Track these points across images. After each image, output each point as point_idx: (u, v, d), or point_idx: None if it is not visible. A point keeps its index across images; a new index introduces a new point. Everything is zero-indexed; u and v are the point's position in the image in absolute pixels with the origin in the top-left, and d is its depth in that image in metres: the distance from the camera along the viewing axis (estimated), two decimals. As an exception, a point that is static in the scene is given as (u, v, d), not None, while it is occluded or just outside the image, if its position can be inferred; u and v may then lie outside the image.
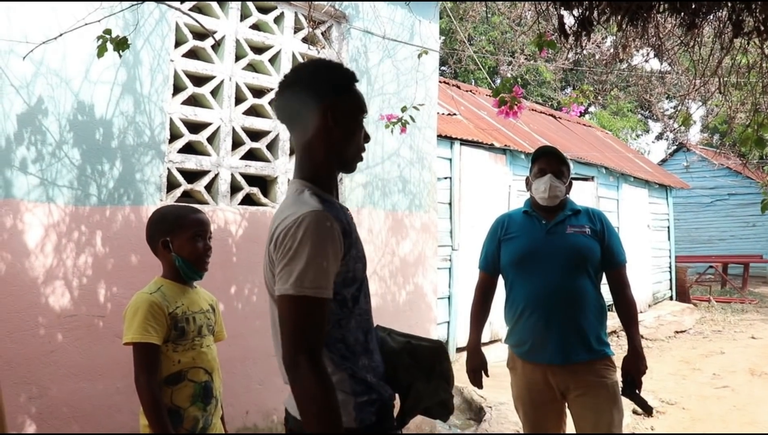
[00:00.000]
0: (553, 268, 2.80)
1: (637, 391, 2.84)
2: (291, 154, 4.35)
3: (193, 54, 3.95)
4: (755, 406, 5.65)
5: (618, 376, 2.84)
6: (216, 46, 3.99)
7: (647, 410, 2.90)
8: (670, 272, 12.74)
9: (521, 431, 4.80)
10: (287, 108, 1.73)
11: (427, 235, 5.27)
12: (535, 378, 2.85)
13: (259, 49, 4.26)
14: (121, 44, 2.80)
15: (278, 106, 1.75)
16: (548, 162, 2.93)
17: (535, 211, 2.97)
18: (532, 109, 12.56)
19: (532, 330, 2.83)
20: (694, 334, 9.54)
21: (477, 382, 3.12)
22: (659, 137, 24.46)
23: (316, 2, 4.32)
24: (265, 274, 1.66)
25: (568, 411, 2.89)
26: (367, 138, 1.79)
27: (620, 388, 2.84)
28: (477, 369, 3.09)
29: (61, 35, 3.00)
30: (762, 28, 2.74)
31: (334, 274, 1.55)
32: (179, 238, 2.34)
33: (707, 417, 5.24)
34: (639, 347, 2.83)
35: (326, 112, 1.67)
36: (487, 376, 3.13)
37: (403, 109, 4.17)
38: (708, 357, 7.84)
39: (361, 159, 1.79)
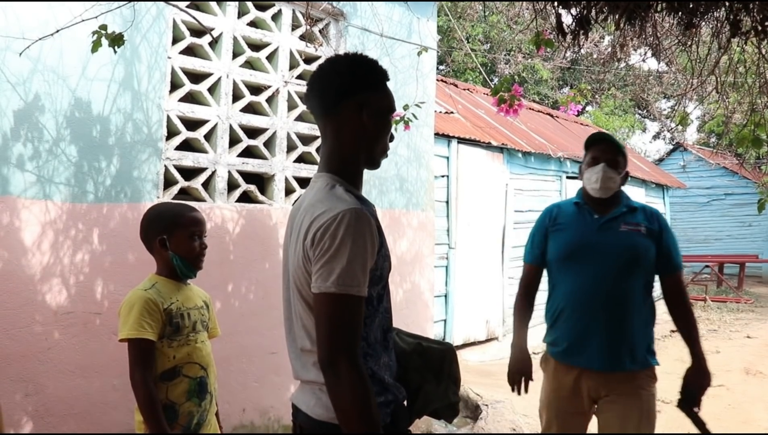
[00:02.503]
0: (602, 267, 2.60)
1: (696, 410, 2.64)
2: (288, 151, 4.35)
3: (190, 51, 3.95)
4: (750, 405, 5.68)
5: (657, 387, 2.68)
6: (213, 44, 3.99)
7: (704, 433, 2.66)
8: (667, 271, 12.75)
9: (517, 429, 4.81)
10: (320, 100, 1.70)
11: (424, 234, 5.27)
12: (565, 382, 2.68)
13: (256, 47, 4.25)
14: (117, 40, 2.79)
15: (311, 96, 1.72)
16: (602, 150, 2.70)
17: (587, 204, 2.75)
18: (530, 108, 12.56)
19: (570, 331, 2.66)
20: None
21: (518, 386, 2.86)
22: (656, 137, 24.49)
23: (314, 0, 4.32)
24: (293, 269, 1.63)
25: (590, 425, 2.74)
26: (391, 137, 1.77)
27: (678, 402, 2.65)
28: (521, 372, 2.84)
29: (57, 31, 2.99)
30: (759, 28, 2.75)
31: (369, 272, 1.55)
32: (176, 237, 2.34)
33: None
34: (703, 360, 2.63)
35: (362, 106, 1.65)
36: (532, 380, 2.86)
37: (405, 108, 4.18)
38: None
39: (386, 156, 1.78)
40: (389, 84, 1.77)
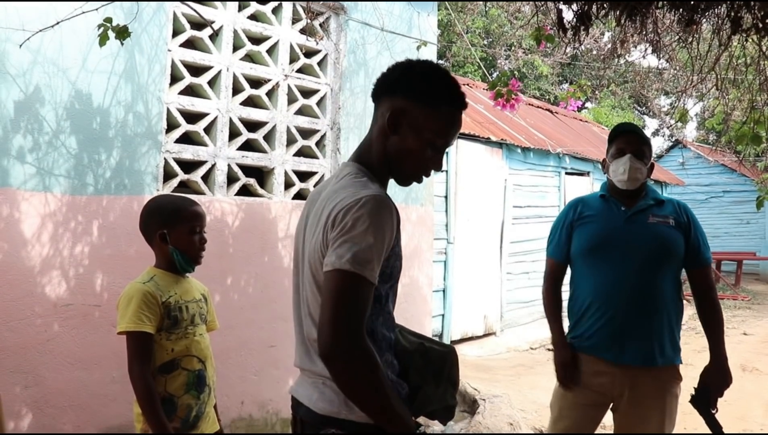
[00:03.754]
0: (630, 259, 2.56)
1: (712, 411, 2.57)
2: (288, 145, 4.35)
3: (190, 44, 3.94)
4: (746, 401, 5.70)
5: (683, 385, 2.64)
6: (214, 37, 3.98)
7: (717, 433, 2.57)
8: (664, 268, 12.76)
9: (514, 424, 4.82)
10: (376, 88, 1.67)
11: (423, 228, 5.28)
12: (589, 377, 2.63)
13: (257, 40, 4.25)
14: (122, 33, 2.79)
15: (376, 82, 1.68)
16: (628, 141, 2.65)
17: (613, 196, 2.72)
18: (529, 104, 12.56)
19: (598, 325, 2.61)
20: (686, 329, 9.58)
21: (568, 377, 2.69)
22: (655, 133, 24.48)
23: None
24: (309, 254, 1.59)
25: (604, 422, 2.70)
26: (438, 165, 1.66)
27: (691, 398, 2.60)
28: (566, 362, 2.71)
29: (58, 23, 2.98)
30: (760, 25, 2.75)
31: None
32: (177, 231, 2.34)
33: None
34: (723, 359, 2.59)
35: (388, 110, 1.59)
36: (578, 369, 2.70)
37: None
38: (700, 353, 7.86)
39: (418, 180, 1.69)
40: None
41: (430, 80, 1.60)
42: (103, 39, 2.77)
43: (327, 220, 1.51)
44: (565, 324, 2.84)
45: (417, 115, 1.58)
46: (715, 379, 2.58)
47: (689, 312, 10.56)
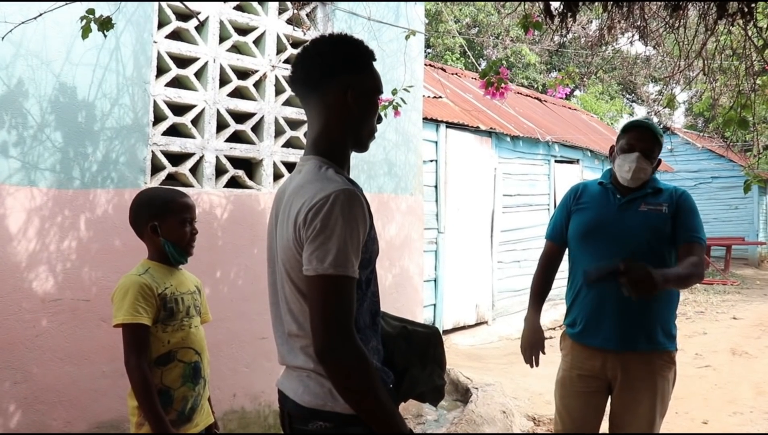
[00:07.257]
0: (618, 246, 2.57)
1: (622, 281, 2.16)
2: (276, 136, 4.33)
3: (176, 35, 3.90)
4: (735, 385, 5.76)
5: (672, 372, 2.65)
6: (200, 28, 3.94)
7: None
8: (654, 254, 12.83)
9: (507, 412, 4.85)
10: (304, 82, 1.68)
11: (413, 218, 5.27)
12: (583, 364, 2.68)
13: (243, 31, 4.21)
14: (106, 24, 2.76)
15: (295, 79, 1.70)
16: (640, 137, 2.61)
17: (612, 184, 2.73)
18: (518, 92, 12.56)
19: (586, 311, 2.66)
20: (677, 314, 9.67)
21: (532, 360, 2.84)
22: (644, 120, 24.56)
23: (301, -17, 4.28)
24: (282, 252, 1.61)
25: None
26: (379, 119, 1.76)
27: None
28: (534, 346, 2.83)
29: (41, 15, 2.94)
30: (746, 10, 2.75)
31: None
32: (168, 223, 2.34)
33: (689, 396, 5.32)
34: (661, 273, 2.21)
35: (347, 88, 1.63)
36: (544, 353, 2.85)
37: (394, 92, 4.16)
38: (691, 337, 7.95)
39: (373, 138, 1.76)
40: (376, 66, 1.75)
41: (353, 47, 1.68)
42: (85, 31, 2.74)
43: (297, 217, 1.53)
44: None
45: (361, 81, 1.66)
46: (637, 274, 2.17)
47: (682, 297, 10.64)
